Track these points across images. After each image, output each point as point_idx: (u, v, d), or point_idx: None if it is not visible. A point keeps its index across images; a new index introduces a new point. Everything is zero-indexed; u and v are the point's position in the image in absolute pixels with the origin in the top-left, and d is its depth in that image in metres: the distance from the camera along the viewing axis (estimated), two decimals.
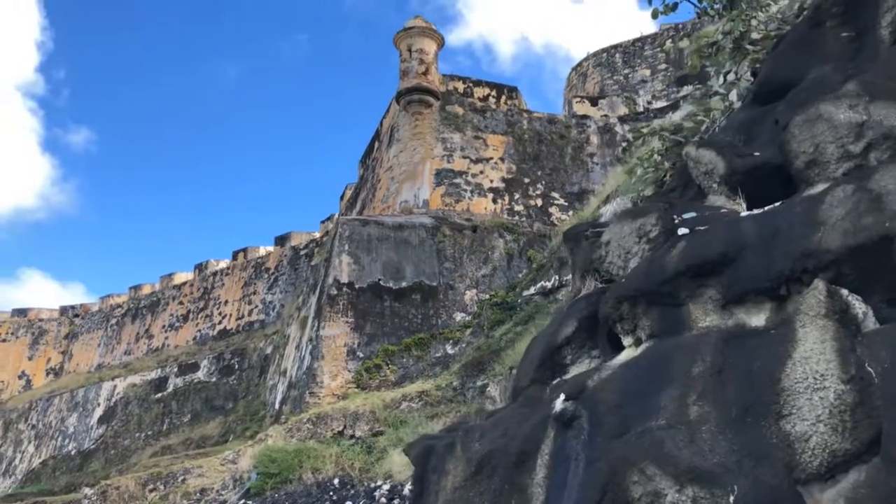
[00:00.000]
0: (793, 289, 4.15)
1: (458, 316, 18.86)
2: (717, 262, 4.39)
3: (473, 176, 21.88)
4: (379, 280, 18.67)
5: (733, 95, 7.22)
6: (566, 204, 22.48)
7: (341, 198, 33.51)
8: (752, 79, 7.16)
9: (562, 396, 4.70)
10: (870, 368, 3.49)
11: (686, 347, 4.17)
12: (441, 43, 23.43)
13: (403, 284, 18.77)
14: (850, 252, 3.84)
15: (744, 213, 4.73)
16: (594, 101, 25.23)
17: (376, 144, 26.61)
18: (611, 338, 5.32)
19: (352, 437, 15.05)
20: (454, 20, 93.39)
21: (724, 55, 7.40)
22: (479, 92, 23.54)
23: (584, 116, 24.61)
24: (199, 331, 40.09)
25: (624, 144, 24.12)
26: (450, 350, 18.44)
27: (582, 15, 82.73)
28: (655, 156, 7.06)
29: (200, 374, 35.57)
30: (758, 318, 4.29)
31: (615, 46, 40.57)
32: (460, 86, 23.42)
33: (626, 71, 38.70)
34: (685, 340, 4.27)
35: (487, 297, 19.09)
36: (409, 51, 22.99)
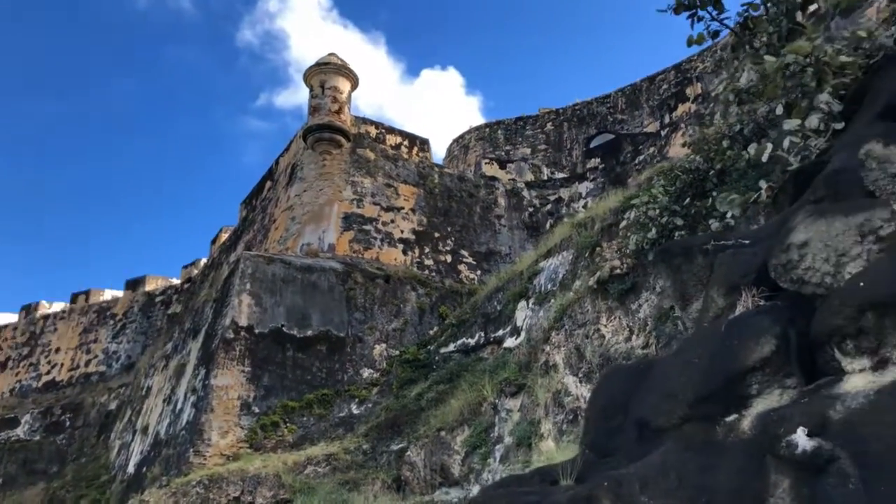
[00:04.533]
0: None
1: (366, 372, 17.08)
2: None
3: (384, 224, 20.51)
4: (282, 326, 16.57)
5: (813, 121, 6.56)
6: (474, 263, 21.59)
7: (213, 241, 30.71)
8: (828, 105, 6.57)
9: (801, 432, 3.45)
10: None
11: None
12: (355, 84, 22.28)
13: (309, 333, 16.78)
14: None
15: None
16: (503, 165, 24.93)
17: (268, 184, 24.61)
18: (803, 362, 4.19)
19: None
20: (285, 83, 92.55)
21: (807, 78, 6.77)
22: (392, 139, 22.47)
23: (493, 178, 24.16)
24: (20, 381, 34.65)
25: (530, 209, 23.86)
26: (355, 410, 16.55)
27: (411, 95, 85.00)
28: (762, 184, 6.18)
29: (19, 432, 30.35)
30: None
31: (498, 123, 41.33)
32: (372, 130, 22.24)
33: (508, 147, 39.35)
34: None
35: (398, 353, 17.50)
36: (322, 87, 21.61)
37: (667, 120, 23.49)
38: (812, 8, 8.88)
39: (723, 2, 8.11)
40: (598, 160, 23.96)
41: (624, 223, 9.91)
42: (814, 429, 3.47)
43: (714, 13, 8.13)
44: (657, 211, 9.10)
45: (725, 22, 8.32)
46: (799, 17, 8.16)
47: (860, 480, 3.22)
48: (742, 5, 8.09)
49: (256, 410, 15.34)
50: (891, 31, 6.70)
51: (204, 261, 31.82)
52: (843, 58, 6.70)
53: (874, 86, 6.33)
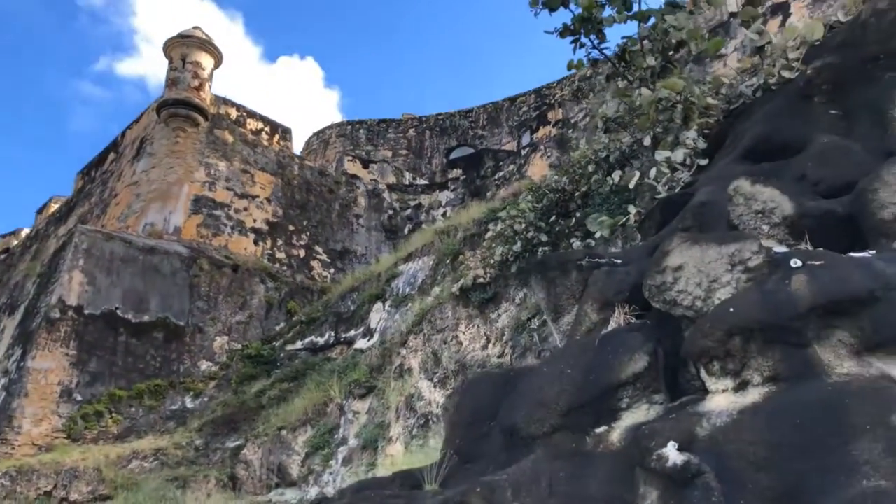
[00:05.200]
0: None
1: (204, 364, 16.23)
2: (857, 302, 3.77)
3: (237, 211, 19.65)
4: (116, 309, 15.37)
5: (678, 155, 7.02)
6: (328, 260, 21.21)
7: (39, 211, 28.07)
8: (694, 142, 7.06)
9: (672, 446, 3.61)
10: None
11: (866, 395, 3.41)
12: (219, 61, 21.26)
13: (146, 318, 15.69)
14: None
15: (861, 255, 4.23)
16: (366, 164, 24.73)
17: (112, 156, 22.88)
18: (667, 380, 4.40)
19: (64, 500, 11.65)
20: (128, 50, 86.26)
21: (677, 115, 7.23)
22: (253, 124, 21.63)
23: (355, 176, 23.91)
24: None
25: (390, 212, 23.84)
26: (189, 403, 15.68)
27: (268, 80, 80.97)
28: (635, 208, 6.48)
29: None
30: None
31: (360, 122, 41.11)
32: (233, 112, 21.30)
33: (369, 147, 39.21)
34: (855, 387, 3.52)
35: (240, 347, 16.80)
36: (183, 61, 20.43)
37: (527, 140, 24.35)
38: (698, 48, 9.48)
39: (605, 32, 8.47)
40: (460, 171, 24.40)
41: (489, 234, 10.10)
42: (683, 444, 3.64)
43: (596, 42, 8.47)
44: (523, 225, 9.35)
45: (605, 51, 8.70)
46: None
47: (722, 494, 3.40)
48: (622, 38, 8.50)
49: (79, 398, 14.11)
50: (751, 81, 7.30)
51: (26, 231, 29.02)
52: (709, 100, 7.21)
53: (736, 129, 6.86)
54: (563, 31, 8.38)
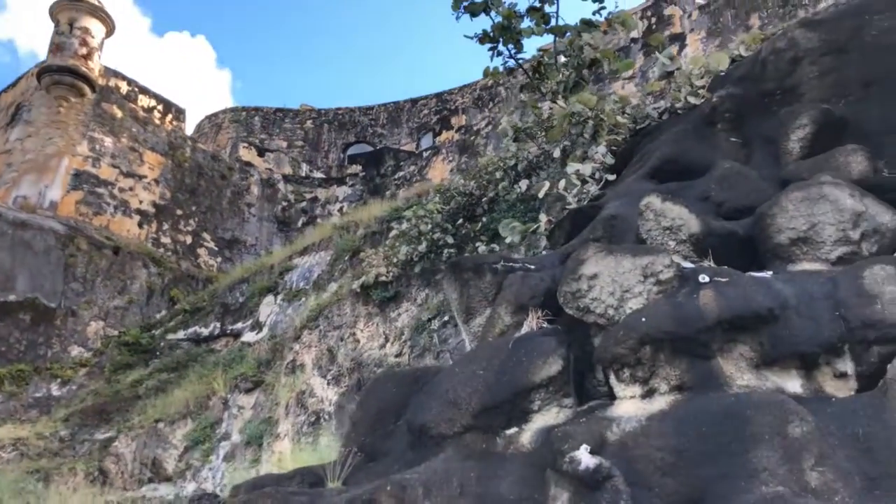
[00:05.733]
0: (835, 357, 3.99)
1: (76, 350, 15.24)
2: (758, 318, 4.02)
3: (121, 191, 18.59)
4: None
5: (587, 169, 7.24)
6: (216, 249, 20.46)
7: None
8: (604, 157, 7.31)
9: (584, 449, 3.70)
10: None
11: (765, 406, 3.62)
12: (111, 30, 20.07)
13: (12, 298, 14.54)
14: None
15: (761, 274, 4.50)
16: (262, 152, 24.04)
17: None
18: (577, 384, 4.51)
19: None
20: None
21: (587, 129, 7.46)
22: (145, 101, 20.55)
23: (249, 164, 23.20)
24: None
25: (284, 203, 23.29)
26: (56, 391, 14.68)
27: (156, 55, 75.58)
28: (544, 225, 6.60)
29: None
30: (792, 385, 4.00)
31: (256, 109, 39.89)
32: (124, 86, 20.15)
33: (263, 136, 38.17)
34: (755, 398, 3.73)
35: (117, 333, 15.90)
36: (71, 26, 19.15)
37: (428, 143, 24.48)
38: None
39: (522, 43, 8.64)
40: (359, 168, 24.17)
41: (394, 233, 10.05)
42: (594, 448, 3.74)
43: (513, 51, 8.62)
44: (430, 226, 9.37)
45: (520, 62, 8.87)
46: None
47: (631, 497, 3.51)
48: (538, 49, 8.70)
49: None
50: (658, 104, 7.64)
51: None
52: (619, 118, 7.48)
53: (643, 148, 7.15)
54: (483, 38, 8.47)
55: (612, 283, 4.47)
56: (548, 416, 4.30)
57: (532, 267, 5.49)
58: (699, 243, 4.98)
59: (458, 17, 8.51)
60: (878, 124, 5.73)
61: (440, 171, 20.28)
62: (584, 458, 3.68)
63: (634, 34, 18.38)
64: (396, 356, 9.17)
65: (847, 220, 4.63)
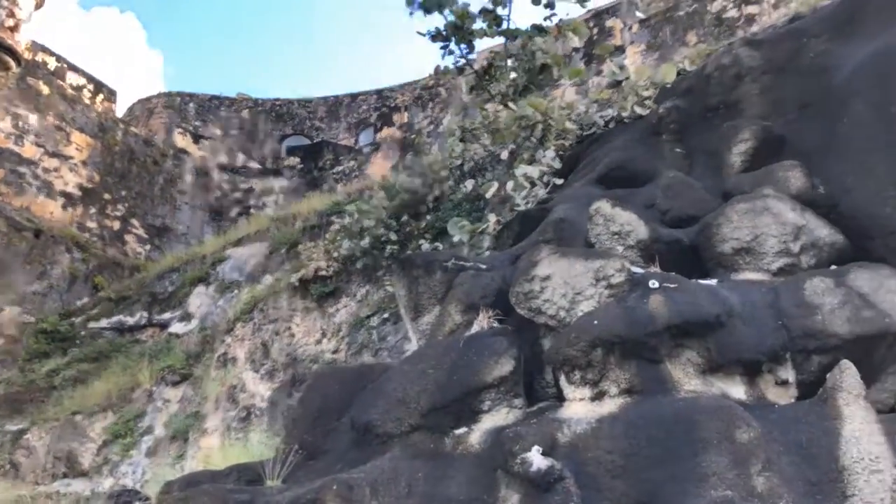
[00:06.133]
0: (777, 365, 4.12)
1: None
2: (706, 325, 4.12)
3: (46, 171, 17.74)
4: None
5: (535, 172, 7.31)
6: (146, 236, 19.77)
7: None
8: (552, 161, 7.39)
9: (536, 451, 3.70)
10: None
11: (714, 411, 3.70)
12: (41, 2, 19.12)
13: None
14: (855, 339, 3.97)
15: (706, 282, 4.61)
16: (197, 139, 23.37)
17: None
18: (525, 385, 4.51)
19: None
20: None
21: (537, 133, 7.52)
22: (75, 79, 19.68)
23: (183, 151, 22.54)
24: None
25: (218, 193, 22.71)
26: None
27: (82, 30, 71.36)
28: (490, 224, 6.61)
29: None
30: (737, 391, 4.12)
31: (191, 95, 38.69)
32: (52, 62, 19.25)
33: (198, 123, 37.11)
34: (704, 403, 3.81)
35: (34, 320, 15.16)
36: None
37: (368, 139, 24.30)
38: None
39: (474, 44, 8.64)
40: (297, 160, 23.78)
41: (335, 227, 9.91)
42: (545, 449, 3.74)
43: (465, 51, 8.61)
44: (373, 222, 9.27)
45: (471, 62, 8.87)
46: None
47: (581, 500, 3.54)
48: (489, 52, 8.72)
49: None
50: (606, 112, 7.77)
51: None
52: (567, 124, 7.57)
53: (590, 154, 7.25)
54: (436, 36, 8.43)
55: (565, 286, 4.50)
56: (497, 417, 4.29)
57: (483, 266, 5.48)
58: (646, 249, 5.08)
59: (411, 13, 8.44)
60: (814, 144, 5.94)
61: (380, 168, 20.13)
62: (536, 459, 3.68)
63: (576, 43, 18.69)
64: (333, 352, 9.04)
65: (788, 232, 4.80)
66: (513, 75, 8.41)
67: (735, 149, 6.17)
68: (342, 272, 9.45)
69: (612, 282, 4.43)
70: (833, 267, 4.63)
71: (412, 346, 5.81)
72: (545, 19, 8.50)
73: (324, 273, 9.41)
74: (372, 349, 8.67)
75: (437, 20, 8.51)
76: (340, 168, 21.99)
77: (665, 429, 3.69)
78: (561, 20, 8.53)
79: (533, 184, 6.96)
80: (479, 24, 8.66)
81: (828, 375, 3.85)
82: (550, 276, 4.54)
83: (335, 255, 9.39)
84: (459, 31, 8.50)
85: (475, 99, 9.39)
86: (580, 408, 4.12)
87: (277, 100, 38.08)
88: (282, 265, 11.62)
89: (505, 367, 4.26)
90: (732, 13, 14.05)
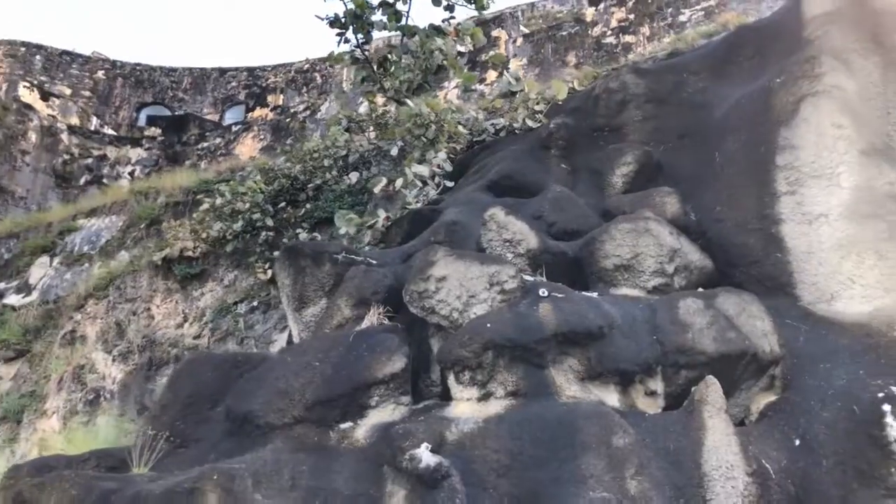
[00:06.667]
0: (648, 377, 4.40)
1: None
2: (589, 335, 4.35)
3: None
4: None
5: (426, 172, 7.37)
6: None
7: None
8: (443, 163, 7.48)
9: (425, 448, 3.74)
10: (766, 465, 3.92)
11: (593, 417, 3.91)
12: None
13: None
14: (720, 357, 4.32)
15: (589, 294, 4.83)
16: (46, 96, 21.49)
17: None
18: (412, 384, 4.52)
19: None
20: None
21: (430, 133, 7.58)
22: None
23: (29, 107, 20.63)
24: None
25: (66, 157, 21.02)
26: None
27: None
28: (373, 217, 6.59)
29: None
30: (611, 399, 4.35)
31: (39, 47, 35.70)
32: None
33: (45, 79, 34.22)
34: (584, 408, 4.01)
35: None
36: None
37: (236, 117, 23.44)
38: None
39: (372, 35, 8.55)
40: (158, 132, 22.47)
41: (205, 206, 9.46)
42: (434, 446, 3.79)
43: (361, 41, 8.51)
44: (248, 205, 8.95)
45: (367, 53, 8.78)
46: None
47: (467, 497, 3.61)
48: (387, 46, 8.67)
49: None
50: (497, 121, 7.96)
51: None
52: (460, 127, 7.68)
53: (480, 161, 7.40)
54: (334, 23, 8.27)
55: (460, 287, 4.57)
56: (384, 413, 4.28)
57: (374, 262, 5.45)
58: (535, 259, 5.26)
59: None
60: (689, 172, 6.40)
61: (249, 149, 19.43)
62: (425, 456, 3.72)
63: (461, 48, 18.99)
64: (195, 338, 8.65)
65: (665, 254, 5.14)
66: (407, 74, 8.41)
67: (618, 170, 6.53)
68: (210, 254, 9.04)
69: (506, 287, 4.56)
70: (701, 289, 5.01)
71: (293, 337, 5.67)
72: (444, 21, 8.58)
73: (190, 254, 8.95)
74: (238, 337, 8.37)
75: (337, 6, 8.36)
76: (206, 144, 21.00)
77: (548, 431, 3.85)
78: (459, 23, 8.64)
79: (424, 183, 7.00)
80: (378, 17, 8.59)
81: (693, 389, 4.17)
82: (446, 278, 4.60)
83: (204, 235, 8.95)
84: (358, 21, 8.39)
85: (363, 90, 9.31)
86: (467, 407, 4.20)
87: (139, 64, 35.74)
88: (140, 241, 10.93)
89: (397, 364, 4.27)
90: (611, 40, 14.81)
